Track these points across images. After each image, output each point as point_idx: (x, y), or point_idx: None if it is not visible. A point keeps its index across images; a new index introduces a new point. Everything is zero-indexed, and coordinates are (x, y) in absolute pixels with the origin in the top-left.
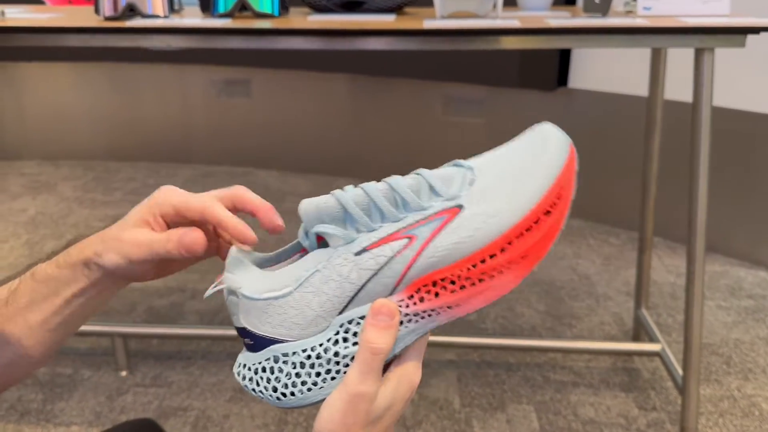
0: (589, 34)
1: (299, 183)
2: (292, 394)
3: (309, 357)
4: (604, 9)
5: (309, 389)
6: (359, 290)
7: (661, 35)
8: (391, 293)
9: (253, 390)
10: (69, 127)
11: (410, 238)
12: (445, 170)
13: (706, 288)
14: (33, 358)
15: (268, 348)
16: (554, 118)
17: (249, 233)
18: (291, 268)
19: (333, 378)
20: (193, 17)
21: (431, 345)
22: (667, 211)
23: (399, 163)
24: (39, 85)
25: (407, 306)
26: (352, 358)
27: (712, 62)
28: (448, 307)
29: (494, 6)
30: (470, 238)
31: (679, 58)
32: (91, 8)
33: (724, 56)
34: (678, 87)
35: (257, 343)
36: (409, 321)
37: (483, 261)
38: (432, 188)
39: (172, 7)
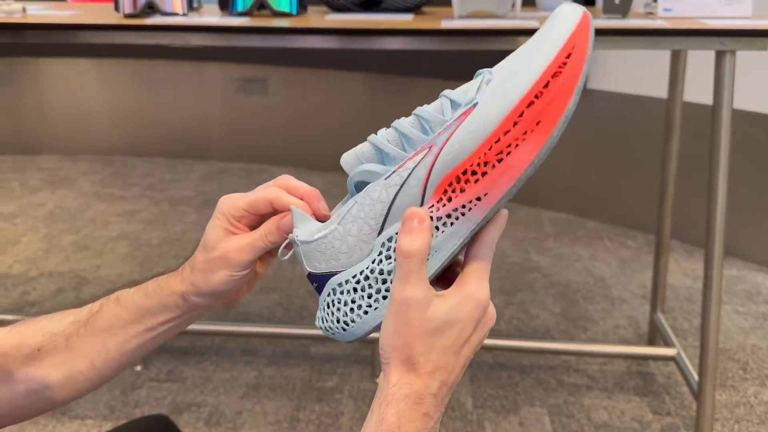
0: (609, 36)
1: (314, 181)
2: (353, 321)
3: (359, 281)
4: (624, 10)
5: (365, 312)
6: (390, 207)
7: (681, 37)
8: (422, 204)
9: (328, 329)
10: (88, 122)
11: (430, 147)
12: (468, 83)
13: (723, 292)
14: (102, 376)
15: (327, 283)
16: (572, 119)
17: (322, 207)
18: (337, 210)
19: (385, 297)
20: (211, 15)
21: None
22: (685, 214)
23: None
24: (59, 81)
25: (437, 209)
26: (390, 272)
27: (733, 65)
28: (477, 199)
29: (513, 6)
30: (480, 122)
31: (700, 59)
32: (111, 5)
33: (745, 58)
34: (698, 89)
35: (320, 283)
36: (444, 225)
37: (498, 141)
38: (453, 103)
39: (191, 5)
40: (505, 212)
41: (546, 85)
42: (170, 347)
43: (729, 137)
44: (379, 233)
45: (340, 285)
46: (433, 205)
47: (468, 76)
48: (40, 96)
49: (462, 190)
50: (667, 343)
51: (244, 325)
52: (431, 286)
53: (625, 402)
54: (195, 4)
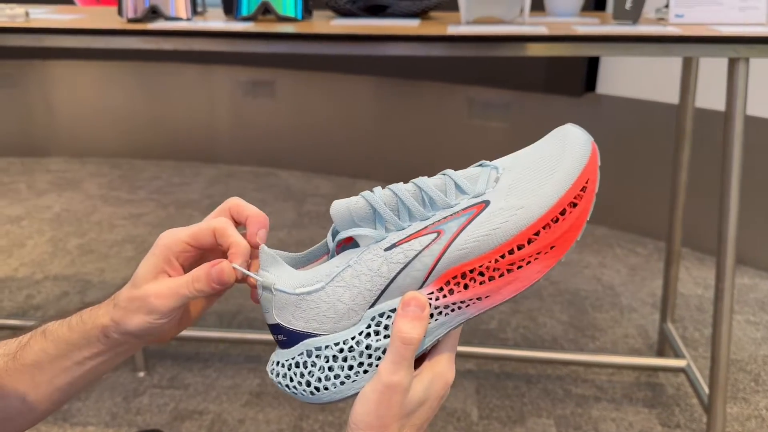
0: (619, 43)
1: (322, 184)
2: (326, 388)
3: (341, 350)
4: (635, 16)
5: (342, 383)
6: (389, 283)
7: (693, 44)
8: (421, 286)
9: (287, 387)
10: (96, 124)
11: (438, 233)
12: (471, 170)
13: (734, 302)
14: (36, 412)
15: (302, 342)
16: (581, 124)
17: (261, 236)
18: (323, 265)
19: (365, 371)
20: (216, 20)
21: None
22: (696, 221)
23: (422, 166)
24: (67, 83)
25: (437, 299)
26: (384, 350)
27: (746, 72)
28: (478, 299)
29: (521, 11)
30: (498, 230)
31: (712, 65)
32: (115, 9)
33: (758, 63)
34: (710, 95)
35: (290, 338)
36: (440, 314)
37: (511, 252)
38: (458, 186)
39: (195, 9)
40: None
41: (563, 212)
42: (173, 353)
43: (741, 144)
44: (371, 305)
45: (318, 349)
46: (433, 293)
47: (476, 81)
48: (48, 98)
49: (465, 287)
50: (677, 354)
51: (248, 332)
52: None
53: (633, 414)
54: (199, 9)
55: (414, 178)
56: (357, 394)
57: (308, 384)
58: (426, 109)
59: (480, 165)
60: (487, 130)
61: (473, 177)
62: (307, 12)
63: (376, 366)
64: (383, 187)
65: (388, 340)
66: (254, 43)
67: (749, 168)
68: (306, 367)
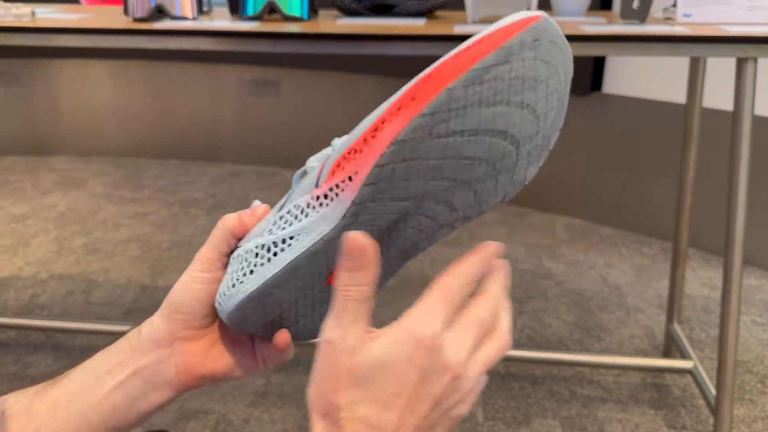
0: (626, 42)
1: None
2: (224, 293)
3: (242, 255)
4: (643, 16)
5: (233, 285)
6: (298, 187)
7: (701, 44)
8: (317, 185)
9: (220, 293)
10: (101, 123)
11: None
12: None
13: (741, 302)
14: None
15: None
16: (587, 124)
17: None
18: None
19: (251, 272)
20: (221, 19)
21: None
22: (702, 222)
23: None
24: (72, 82)
25: (320, 190)
26: (268, 249)
27: (754, 72)
28: (349, 179)
29: (528, 10)
30: (371, 115)
31: (720, 64)
32: (121, 8)
33: (766, 64)
34: (718, 94)
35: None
36: (321, 205)
37: (383, 122)
38: None
39: (201, 9)
40: (491, 245)
41: (435, 68)
42: None
43: (749, 145)
44: (279, 210)
45: (239, 255)
46: (320, 186)
47: None
48: (54, 97)
49: (343, 169)
50: (684, 355)
51: None
52: (370, 330)
53: (639, 415)
54: (205, 8)
55: None
56: (256, 288)
57: (221, 288)
58: None
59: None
60: None
61: None
62: (313, 11)
63: (260, 266)
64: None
65: (276, 235)
66: (260, 43)
67: (757, 168)
68: (229, 273)
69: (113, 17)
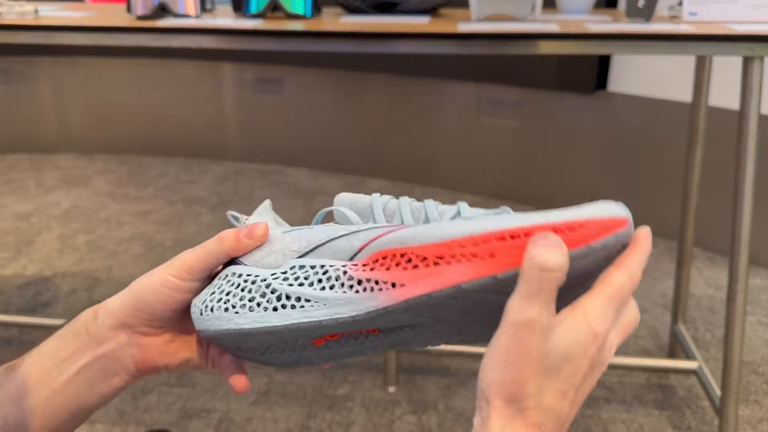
0: (632, 41)
1: (330, 182)
2: (212, 309)
3: (246, 281)
4: (648, 14)
5: (226, 309)
6: (327, 242)
7: (707, 42)
8: (352, 257)
9: (194, 304)
10: (105, 121)
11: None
12: (485, 210)
13: (747, 303)
14: None
15: (228, 267)
16: (592, 122)
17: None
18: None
19: (251, 309)
20: (224, 17)
21: (458, 355)
22: (707, 221)
23: (431, 164)
24: (76, 80)
25: (356, 270)
26: (279, 297)
27: (761, 71)
28: (392, 285)
29: (533, 8)
30: (448, 229)
31: (726, 63)
32: (124, 6)
33: None
34: (724, 93)
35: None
36: (351, 287)
37: (450, 247)
38: (459, 212)
39: (204, 7)
40: (646, 233)
41: (526, 236)
42: None
43: (755, 144)
44: (300, 256)
45: (233, 274)
46: (357, 264)
47: (485, 79)
48: (57, 95)
49: (388, 268)
50: (689, 356)
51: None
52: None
53: (644, 416)
54: (208, 6)
55: (421, 175)
56: (228, 330)
57: (203, 303)
58: (435, 107)
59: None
60: (497, 127)
61: (492, 211)
62: (317, 9)
63: (262, 308)
64: (397, 197)
65: (292, 288)
66: (263, 41)
67: (763, 168)
68: (215, 289)
69: (116, 15)
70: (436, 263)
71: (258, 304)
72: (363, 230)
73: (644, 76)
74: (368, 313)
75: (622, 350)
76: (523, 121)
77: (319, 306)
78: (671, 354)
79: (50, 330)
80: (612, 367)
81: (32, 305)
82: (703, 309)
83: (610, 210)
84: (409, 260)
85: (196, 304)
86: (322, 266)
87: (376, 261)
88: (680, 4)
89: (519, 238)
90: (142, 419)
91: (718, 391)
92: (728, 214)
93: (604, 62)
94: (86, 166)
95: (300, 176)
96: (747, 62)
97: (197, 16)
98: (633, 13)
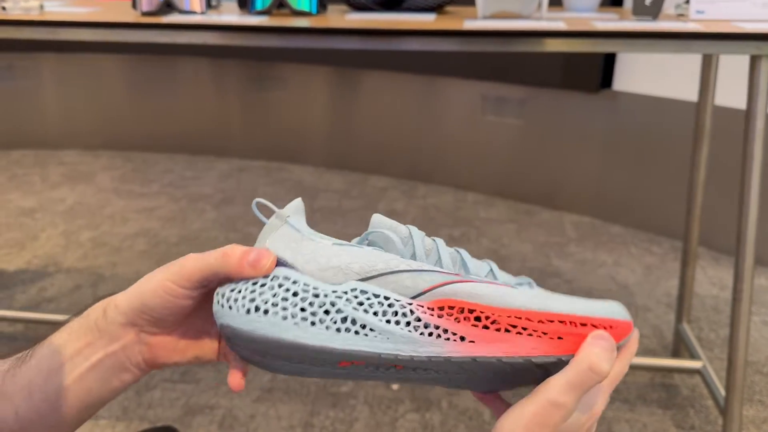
0: (639, 39)
1: (334, 180)
2: (265, 312)
3: (307, 290)
4: (655, 12)
5: (284, 317)
6: (390, 273)
7: (715, 41)
8: (416, 296)
9: (226, 297)
10: (109, 117)
11: (460, 276)
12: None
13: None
14: None
15: (278, 268)
16: (597, 121)
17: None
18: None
19: (312, 323)
20: (230, 14)
21: None
22: (712, 220)
23: (435, 162)
24: (81, 76)
25: (423, 311)
26: (344, 319)
27: None
28: (461, 338)
29: (539, 6)
30: (519, 300)
31: (732, 61)
32: (129, 2)
33: None
34: (730, 92)
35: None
36: (416, 328)
37: (519, 318)
38: (493, 272)
39: (210, 3)
40: (636, 338)
41: (595, 326)
42: None
43: (762, 143)
44: (361, 279)
45: (288, 279)
46: (423, 306)
47: (490, 77)
48: (62, 91)
49: (457, 320)
50: (693, 355)
51: None
52: None
53: (648, 415)
54: (213, 2)
55: (425, 173)
56: (285, 341)
57: (251, 301)
58: (439, 105)
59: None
60: (502, 126)
61: (514, 279)
62: (322, 6)
63: (324, 326)
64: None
65: (357, 312)
66: (269, 38)
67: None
68: (262, 287)
69: (122, 11)
70: (507, 330)
71: (321, 321)
72: (428, 271)
73: (649, 75)
74: (429, 357)
75: None
76: (528, 120)
77: (383, 339)
78: (675, 353)
79: (54, 326)
80: None
81: (36, 301)
82: (707, 308)
83: (625, 313)
84: (478, 318)
85: (228, 297)
86: (387, 298)
87: (443, 308)
88: (687, 2)
89: (583, 326)
90: (146, 415)
91: (722, 391)
92: (732, 214)
93: (609, 61)
94: (91, 162)
95: (304, 173)
96: (754, 61)
97: (203, 13)
98: (640, 11)
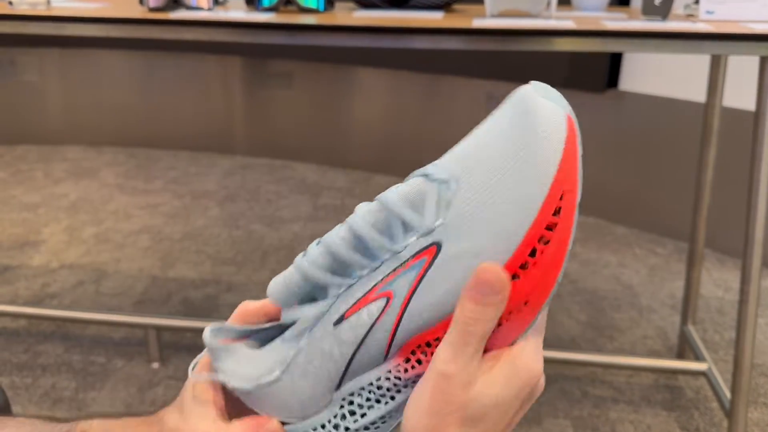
0: (648, 39)
1: (337, 177)
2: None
3: None
4: (665, 12)
5: None
6: (348, 365)
7: (724, 42)
8: (385, 360)
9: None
10: (113, 113)
11: (388, 297)
12: (415, 187)
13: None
14: None
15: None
16: (603, 121)
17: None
18: (278, 346)
19: None
20: (237, 10)
21: None
22: (717, 222)
23: None
24: (85, 72)
25: (405, 371)
26: (365, 428)
27: None
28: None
29: (548, 5)
30: (453, 291)
31: (741, 62)
32: None
33: None
34: (739, 93)
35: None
36: (405, 386)
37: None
38: (404, 222)
39: (217, 0)
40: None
41: (532, 253)
42: (188, 344)
43: None
44: (337, 387)
45: None
46: (399, 365)
47: (494, 76)
48: (67, 87)
49: (422, 363)
50: (698, 357)
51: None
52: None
53: (652, 416)
54: None
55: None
56: None
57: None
58: (444, 104)
59: (424, 175)
60: None
61: (418, 200)
62: (329, 3)
63: None
64: (318, 242)
65: (365, 419)
66: (276, 35)
67: None
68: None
69: (129, 7)
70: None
71: None
72: (363, 331)
73: (656, 75)
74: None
75: (630, 350)
76: None
77: (393, 417)
78: (680, 355)
79: (58, 321)
80: (620, 367)
81: (39, 296)
82: (712, 310)
83: (549, 121)
84: (429, 344)
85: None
86: (371, 384)
87: (413, 353)
88: (696, 2)
89: (527, 263)
90: (149, 412)
91: (727, 393)
92: (739, 215)
93: (615, 60)
94: (94, 158)
95: (307, 171)
96: (764, 62)
97: (210, 9)
98: (649, 10)
